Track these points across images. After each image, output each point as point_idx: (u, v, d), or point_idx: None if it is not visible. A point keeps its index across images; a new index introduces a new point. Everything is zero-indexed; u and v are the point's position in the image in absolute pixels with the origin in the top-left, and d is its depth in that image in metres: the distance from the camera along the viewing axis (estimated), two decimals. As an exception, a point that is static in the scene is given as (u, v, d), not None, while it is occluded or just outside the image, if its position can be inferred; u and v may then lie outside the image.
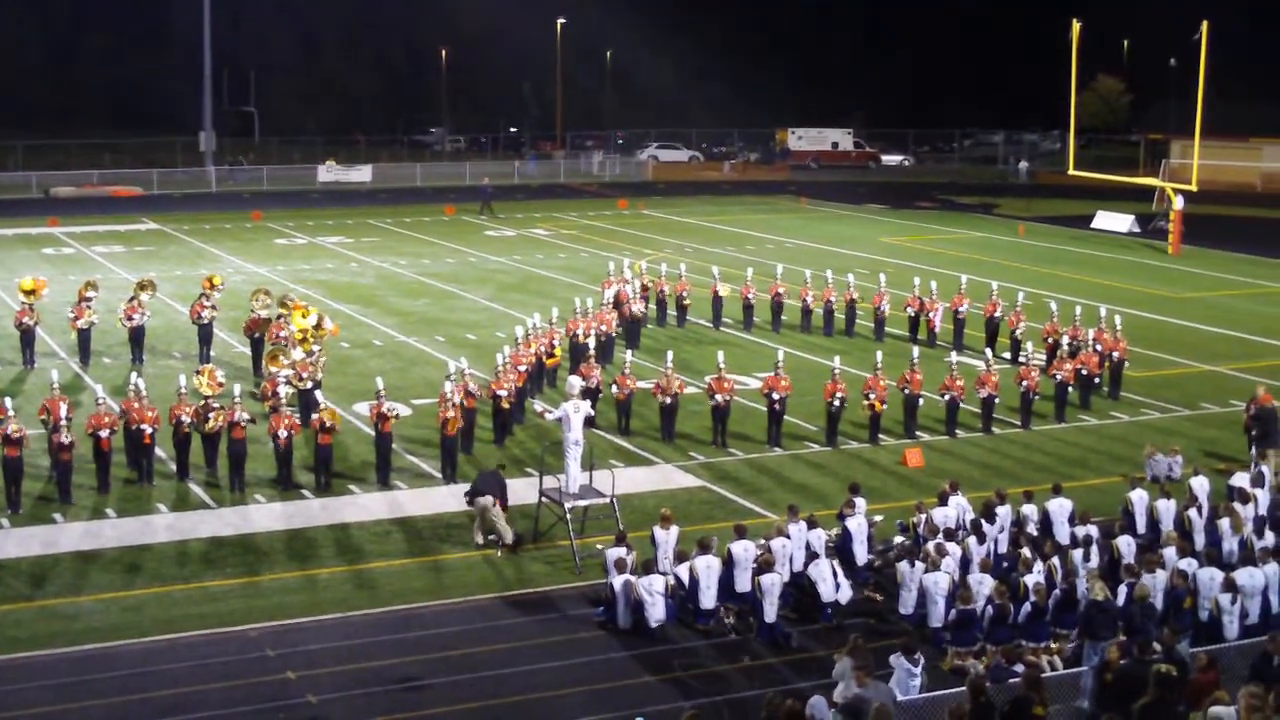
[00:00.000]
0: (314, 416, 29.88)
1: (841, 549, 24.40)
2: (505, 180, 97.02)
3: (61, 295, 46.23)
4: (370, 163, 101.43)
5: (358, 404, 34.93)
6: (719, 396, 32.51)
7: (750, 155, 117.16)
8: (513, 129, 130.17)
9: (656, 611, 22.31)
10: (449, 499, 28.56)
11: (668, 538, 23.98)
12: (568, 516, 25.77)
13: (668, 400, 32.91)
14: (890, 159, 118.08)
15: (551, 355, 36.95)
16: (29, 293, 40.57)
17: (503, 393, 32.27)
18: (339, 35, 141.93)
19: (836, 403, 32.55)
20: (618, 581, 22.68)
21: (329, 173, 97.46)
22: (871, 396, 32.58)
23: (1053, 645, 21.31)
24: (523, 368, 34.10)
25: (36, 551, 25.64)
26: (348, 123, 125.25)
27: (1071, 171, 73.26)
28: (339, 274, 57.14)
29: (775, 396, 32.56)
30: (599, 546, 25.28)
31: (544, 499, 26.90)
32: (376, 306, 49.71)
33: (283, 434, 29.09)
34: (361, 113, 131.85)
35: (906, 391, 33.53)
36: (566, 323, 39.29)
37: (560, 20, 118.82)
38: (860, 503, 25.43)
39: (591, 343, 38.16)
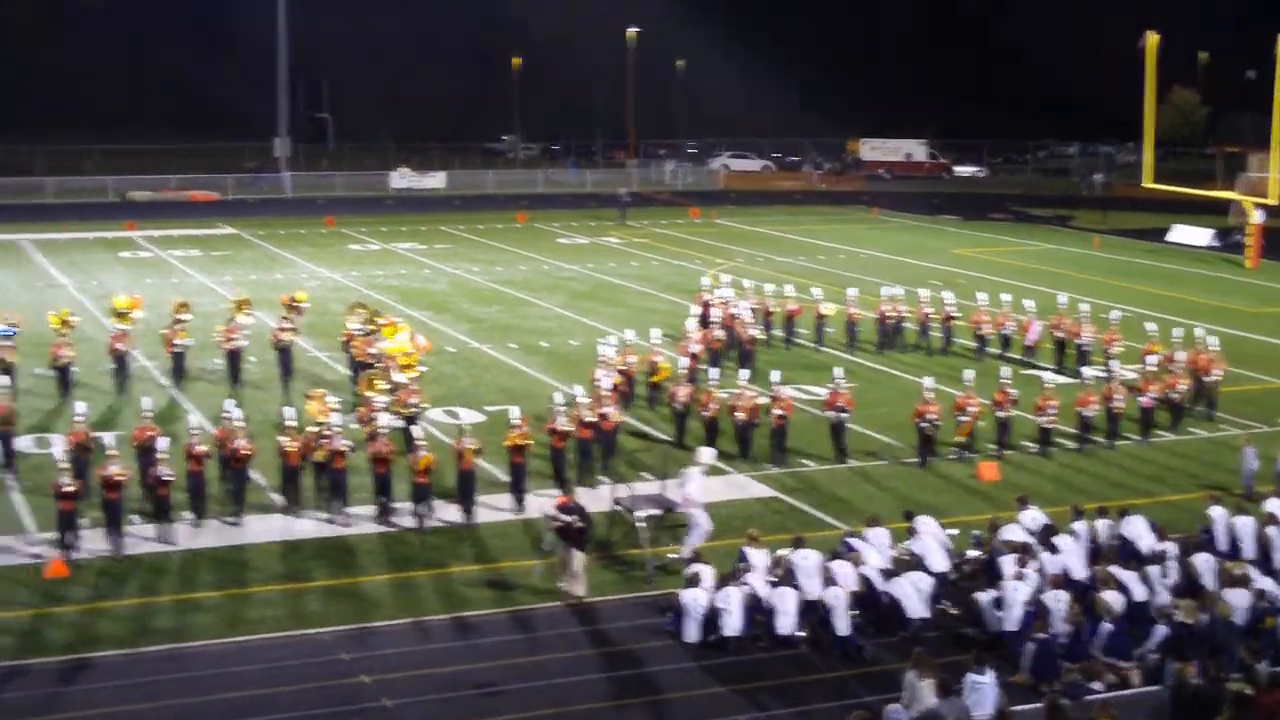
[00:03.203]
0: (412, 455, 27.66)
1: (915, 566, 24.21)
2: (570, 189, 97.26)
3: (154, 309, 44.90)
4: (443, 169, 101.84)
5: (432, 411, 34.89)
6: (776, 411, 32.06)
7: (824, 165, 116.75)
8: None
9: (733, 621, 22.23)
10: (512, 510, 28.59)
11: (759, 557, 23.90)
12: (640, 525, 25.75)
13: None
14: (964, 170, 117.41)
15: (655, 373, 35.72)
16: (122, 315, 39.05)
17: (607, 411, 30.74)
18: (413, 42, 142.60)
19: (927, 424, 31.83)
20: (687, 595, 22.67)
21: (402, 179, 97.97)
22: (967, 414, 32.22)
23: (1127, 664, 21.09)
24: (608, 387, 31.95)
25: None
26: (421, 129, 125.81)
27: (1148, 184, 72.50)
28: (411, 280, 57.40)
29: (838, 413, 32.23)
30: (671, 556, 25.32)
31: (617, 507, 26.89)
32: (449, 313, 49.90)
33: (381, 462, 27.62)
34: (434, 120, 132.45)
35: (1002, 413, 32.73)
36: (678, 344, 38.40)
37: (633, 29, 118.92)
38: (923, 522, 25.13)
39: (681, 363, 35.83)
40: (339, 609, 23.71)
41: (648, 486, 28.94)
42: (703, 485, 26.47)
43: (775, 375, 33.46)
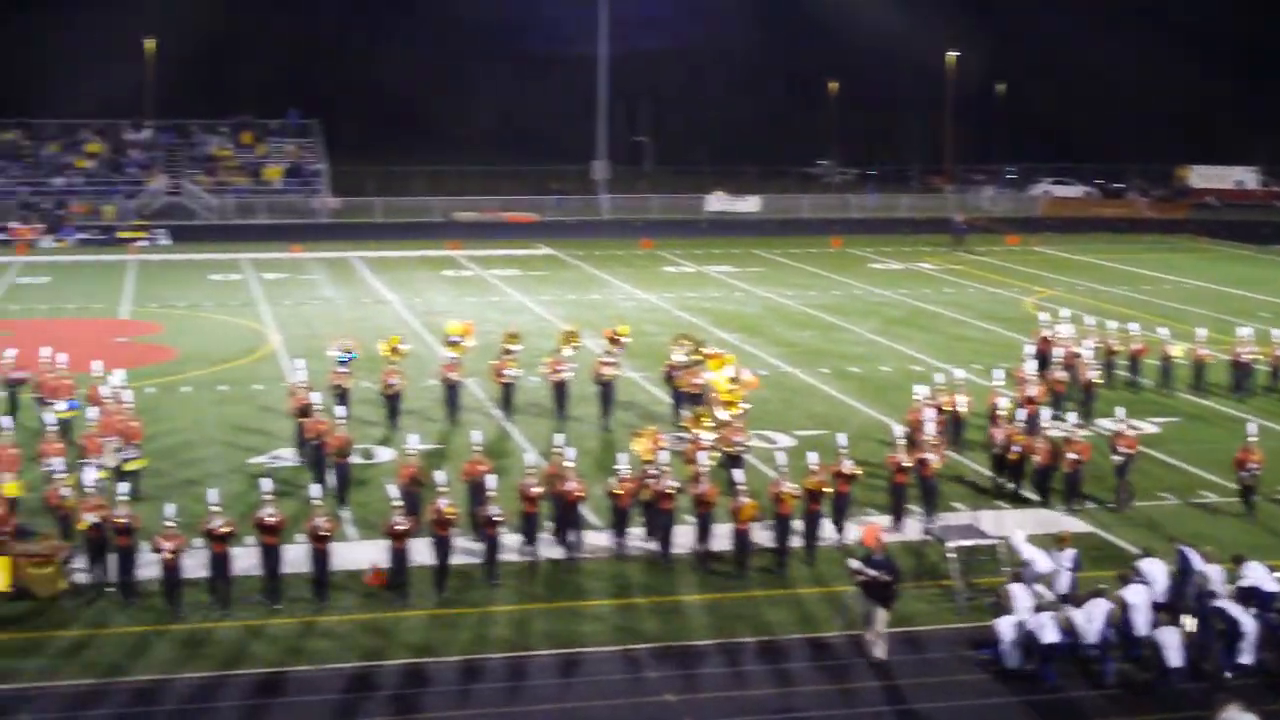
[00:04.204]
0: (734, 502, 26.18)
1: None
2: (887, 214, 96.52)
3: (482, 331, 44.10)
4: (758, 193, 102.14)
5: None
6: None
7: (1150, 192, 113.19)
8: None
9: (1047, 635, 21.57)
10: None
11: (1062, 558, 23.16)
12: (950, 556, 25.27)
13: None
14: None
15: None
16: (454, 343, 38.20)
17: (927, 457, 29.08)
18: (729, 67, 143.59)
19: (1247, 473, 29.87)
20: (1005, 621, 22.12)
21: (717, 202, 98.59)
22: None
23: None
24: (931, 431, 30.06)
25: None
26: (737, 153, 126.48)
27: None
28: (725, 303, 57.68)
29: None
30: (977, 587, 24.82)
31: (927, 537, 26.47)
32: (761, 336, 49.94)
33: (703, 505, 26.60)
34: (750, 143, 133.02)
35: None
36: (1016, 384, 35.51)
37: (952, 53, 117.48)
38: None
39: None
40: (652, 627, 23.84)
41: (959, 517, 28.45)
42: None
43: (1120, 412, 32.34)
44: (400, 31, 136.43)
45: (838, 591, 24.67)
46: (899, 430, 29.98)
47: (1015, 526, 25.80)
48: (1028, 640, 21.79)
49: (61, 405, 32.66)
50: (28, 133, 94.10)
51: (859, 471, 28.35)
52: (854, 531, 27.49)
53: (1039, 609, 22.00)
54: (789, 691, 21.54)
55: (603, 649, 23.01)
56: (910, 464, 28.60)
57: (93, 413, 30.77)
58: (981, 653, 22.49)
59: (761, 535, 26.81)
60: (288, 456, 33.26)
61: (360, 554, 26.17)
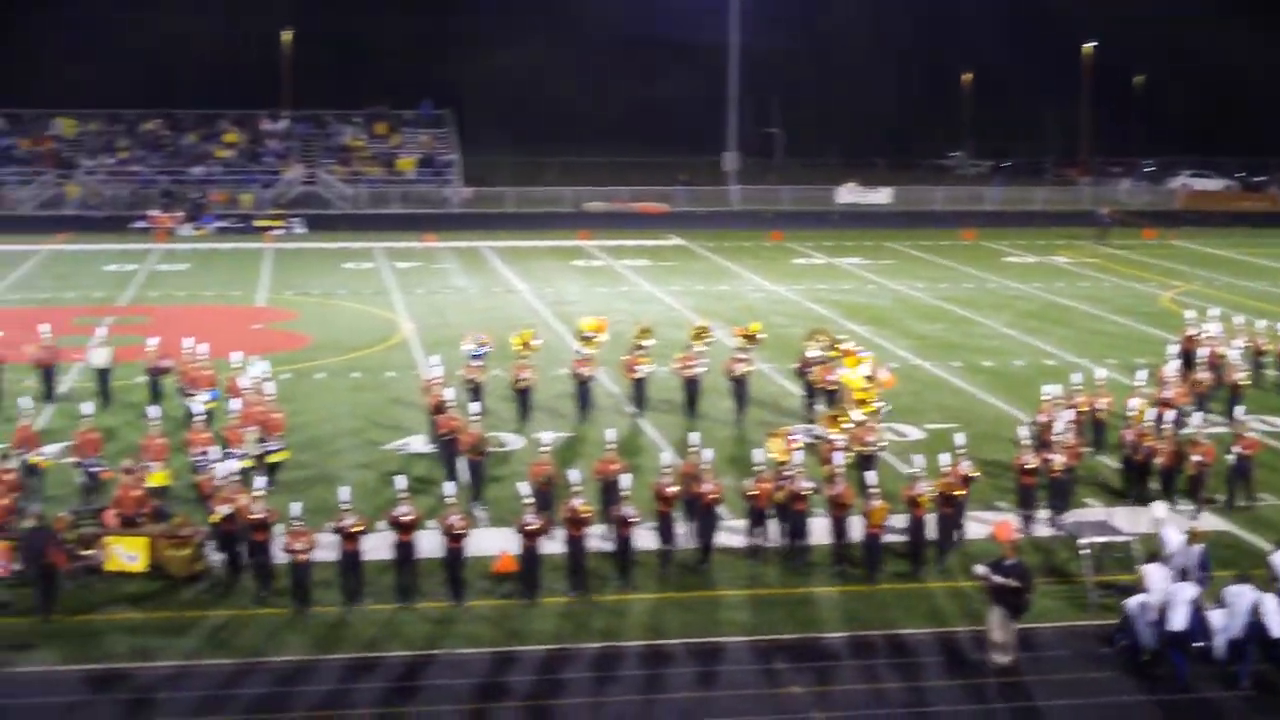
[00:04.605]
0: (866, 504, 25.55)
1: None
2: (1025, 205, 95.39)
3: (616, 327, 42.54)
4: (889, 185, 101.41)
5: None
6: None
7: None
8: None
9: (1178, 618, 21.19)
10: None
11: (1191, 554, 22.93)
12: (1084, 553, 24.92)
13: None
14: None
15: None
16: (587, 339, 37.79)
17: (1052, 458, 28.33)
18: (862, 58, 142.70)
19: None
20: (1135, 599, 21.83)
21: (848, 194, 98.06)
22: None
23: None
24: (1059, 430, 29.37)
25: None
26: (868, 145, 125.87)
27: None
28: (855, 295, 57.34)
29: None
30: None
31: (1059, 532, 26.13)
32: (892, 329, 49.59)
33: (839, 507, 25.92)
34: (882, 135, 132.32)
35: None
36: (1158, 384, 33.96)
37: (1088, 44, 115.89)
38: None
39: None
40: (780, 621, 23.82)
41: (1093, 513, 28.05)
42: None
43: (1239, 411, 31.68)
44: (533, 22, 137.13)
45: (964, 586, 24.49)
46: (1025, 431, 29.40)
47: (1158, 511, 25.28)
48: (1159, 622, 21.39)
49: (203, 396, 32.79)
50: (168, 122, 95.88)
51: (977, 474, 27.80)
52: (975, 531, 27.30)
53: (1174, 594, 21.49)
54: (915, 686, 21.40)
55: (732, 639, 22.98)
56: (1037, 465, 28.01)
57: (235, 404, 30.83)
58: (1117, 639, 22.17)
59: (888, 534, 26.40)
60: (419, 444, 33.53)
61: (490, 542, 26.28)
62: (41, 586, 23.92)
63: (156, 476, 27.93)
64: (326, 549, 24.54)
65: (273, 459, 29.85)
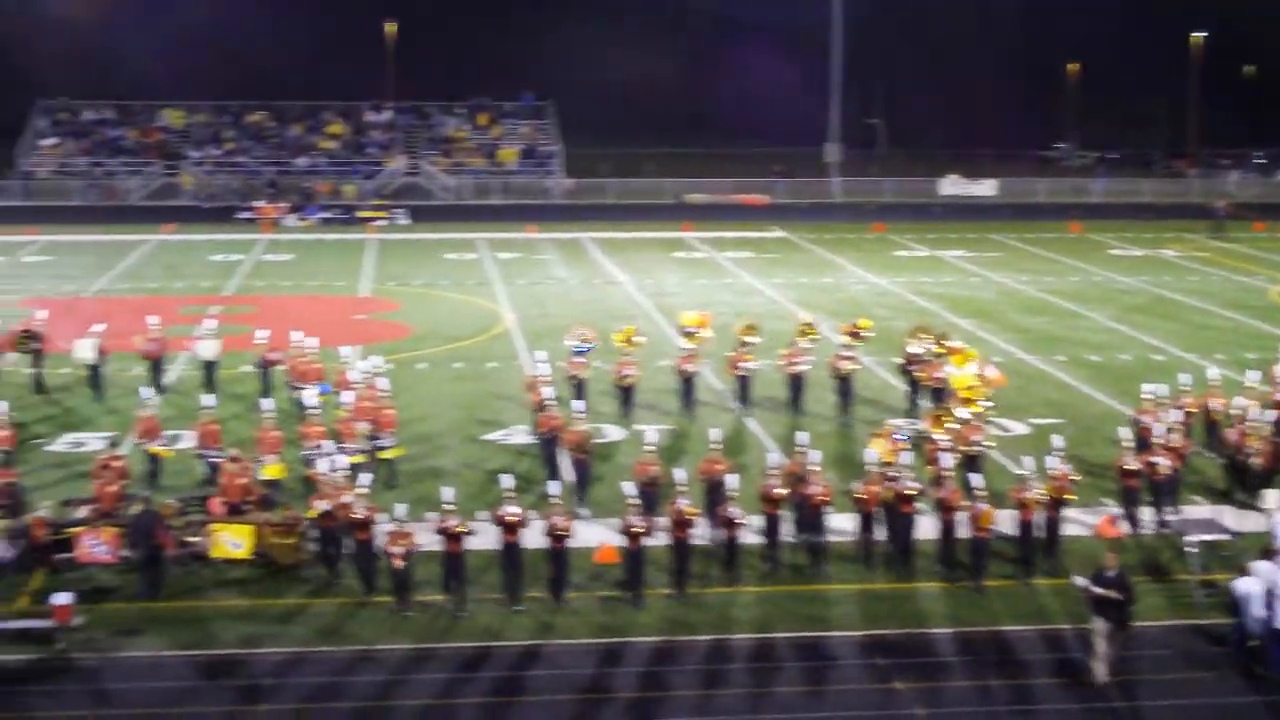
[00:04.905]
0: (973, 506, 24.89)
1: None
2: (1133, 197, 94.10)
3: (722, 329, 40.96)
4: (994, 176, 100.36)
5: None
6: None
7: None
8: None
9: None
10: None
11: None
12: (1190, 551, 24.55)
13: None
14: None
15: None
16: (690, 334, 37.50)
17: (1156, 461, 27.64)
18: (967, 48, 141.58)
19: None
20: (1241, 584, 21.50)
21: (952, 186, 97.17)
22: None
23: None
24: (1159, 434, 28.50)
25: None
26: (973, 136, 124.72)
27: None
28: (958, 287, 56.87)
29: None
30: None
31: (1164, 530, 25.78)
32: (996, 322, 49.13)
33: (947, 510, 25.36)
34: (987, 126, 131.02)
35: None
36: (1272, 383, 33.06)
37: (1198, 33, 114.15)
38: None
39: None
40: (883, 615, 23.75)
41: (1200, 511, 27.63)
42: None
43: None
44: (634, 13, 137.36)
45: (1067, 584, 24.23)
46: (1126, 432, 28.81)
47: (1270, 501, 24.83)
48: (1268, 614, 21.03)
49: (313, 389, 32.61)
50: (273, 114, 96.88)
51: (1077, 476, 26.88)
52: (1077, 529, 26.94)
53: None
54: (1020, 684, 21.19)
55: (837, 633, 22.96)
56: (1138, 467, 27.41)
57: (346, 397, 30.75)
58: (1232, 632, 21.87)
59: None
60: (521, 435, 33.63)
61: (592, 534, 26.31)
62: (148, 571, 24.30)
63: (271, 469, 28.15)
64: (430, 545, 24.28)
65: (385, 455, 29.89)
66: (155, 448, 29.59)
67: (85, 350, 37.52)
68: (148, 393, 32.04)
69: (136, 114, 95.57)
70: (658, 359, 40.25)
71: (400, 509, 24.24)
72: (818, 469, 26.14)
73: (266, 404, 30.85)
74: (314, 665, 21.74)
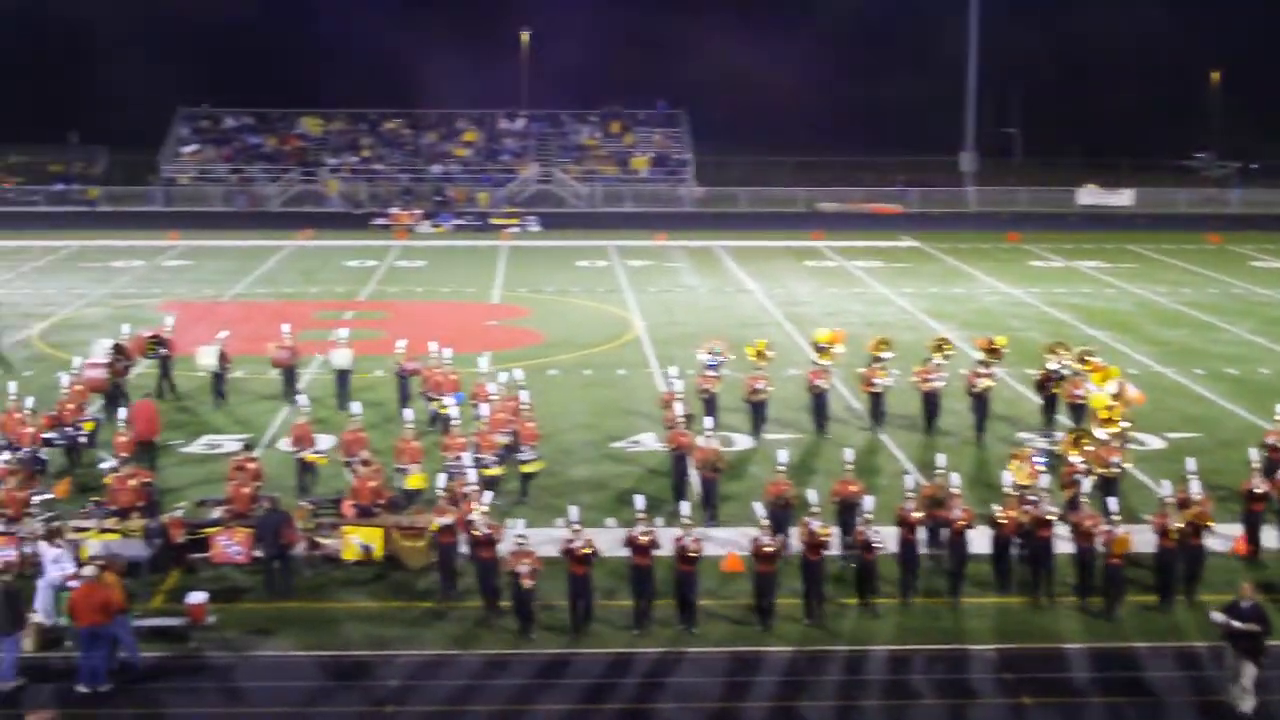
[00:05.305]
0: (1106, 532, 24.10)
1: None
2: (1275, 208, 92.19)
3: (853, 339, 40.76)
4: (1132, 186, 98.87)
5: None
6: None
7: None
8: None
9: None
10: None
11: None
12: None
13: None
14: None
15: None
16: (823, 350, 36.82)
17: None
18: (1107, 56, 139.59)
19: None
20: None
21: (1089, 195, 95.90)
22: None
23: None
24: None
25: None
26: (1111, 145, 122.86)
27: None
28: (1095, 299, 56.01)
29: None
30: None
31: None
32: (1132, 334, 48.35)
33: (1084, 536, 24.44)
34: (1125, 135, 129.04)
35: None
36: None
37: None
38: None
39: None
40: (1015, 629, 23.52)
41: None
42: None
43: None
44: (766, 20, 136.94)
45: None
46: (1255, 454, 27.99)
47: None
48: None
49: (449, 400, 32.74)
50: (409, 122, 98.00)
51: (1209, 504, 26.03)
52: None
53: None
54: (1147, 702, 20.95)
55: (970, 646, 22.87)
56: (1266, 490, 26.69)
57: (483, 409, 30.65)
58: None
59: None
60: (650, 441, 33.74)
61: (721, 540, 26.25)
62: (278, 569, 24.66)
63: (414, 479, 28.38)
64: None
65: (526, 469, 29.82)
66: (309, 455, 30.00)
67: (208, 357, 38.20)
68: (303, 400, 32.42)
69: (275, 121, 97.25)
70: (787, 368, 40.08)
71: (519, 524, 24.16)
72: (958, 492, 25.57)
73: (408, 414, 31.02)
74: (447, 670, 21.94)
